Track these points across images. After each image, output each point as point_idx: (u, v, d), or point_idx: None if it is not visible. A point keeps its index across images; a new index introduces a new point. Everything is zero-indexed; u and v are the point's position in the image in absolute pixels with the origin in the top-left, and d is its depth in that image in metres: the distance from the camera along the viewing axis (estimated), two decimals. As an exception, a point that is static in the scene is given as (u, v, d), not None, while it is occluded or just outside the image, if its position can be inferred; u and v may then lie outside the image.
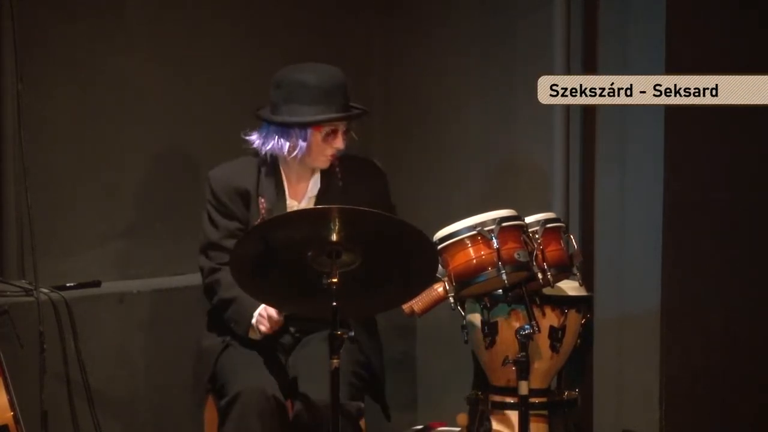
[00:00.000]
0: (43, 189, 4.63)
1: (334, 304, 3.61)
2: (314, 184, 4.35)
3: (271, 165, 4.33)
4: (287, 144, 4.24)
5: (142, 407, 4.82)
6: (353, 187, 4.36)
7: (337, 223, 3.60)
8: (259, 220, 4.22)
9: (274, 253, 3.67)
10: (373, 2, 5.70)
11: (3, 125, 4.57)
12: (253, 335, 4.21)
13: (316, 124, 4.22)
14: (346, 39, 5.55)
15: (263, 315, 4.16)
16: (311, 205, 4.32)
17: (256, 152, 4.33)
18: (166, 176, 5.05)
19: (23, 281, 4.53)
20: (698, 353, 5.07)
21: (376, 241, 3.66)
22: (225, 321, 4.27)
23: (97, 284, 4.67)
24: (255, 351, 4.25)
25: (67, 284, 4.59)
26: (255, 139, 4.30)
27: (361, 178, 4.39)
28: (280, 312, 4.13)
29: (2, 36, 4.52)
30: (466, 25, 5.49)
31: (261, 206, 4.27)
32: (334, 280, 3.61)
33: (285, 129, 4.24)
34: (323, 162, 4.31)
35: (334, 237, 3.61)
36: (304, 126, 4.22)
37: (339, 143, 4.28)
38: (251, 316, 4.19)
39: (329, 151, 4.28)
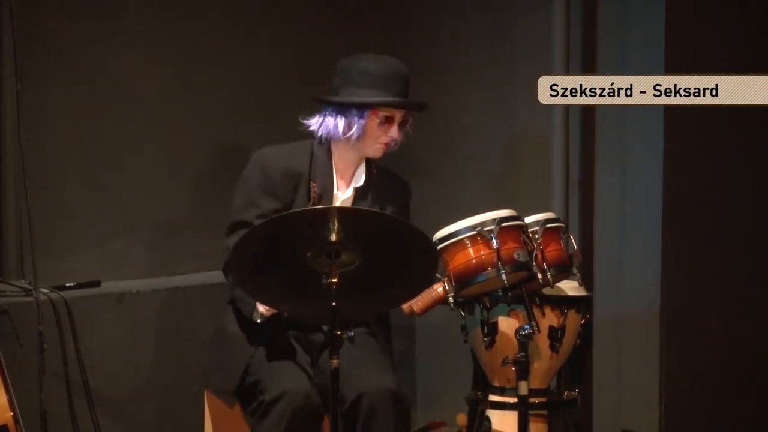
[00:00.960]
0: (43, 189, 4.63)
1: (334, 304, 3.61)
2: (359, 175, 4.35)
3: (324, 150, 4.32)
4: (343, 123, 4.25)
5: (142, 407, 4.81)
6: (384, 194, 4.38)
7: (337, 223, 3.60)
8: (310, 205, 4.22)
9: (274, 253, 3.67)
10: (373, 2, 5.70)
11: (3, 125, 4.57)
12: (255, 317, 4.17)
13: (372, 106, 4.23)
14: (347, 39, 5.55)
15: None
16: (353, 197, 4.32)
17: (311, 137, 4.32)
18: (166, 176, 5.05)
19: (23, 281, 4.53)
20: (698, 353, 5.07)
21: (376, 241, 3.65)
22: (233, 300, 4.24)
23: (96, 284, 4.67)
24: (287, 349, 4.23)
25: (67, 284, 4.59)
26: (314, 121, 4.29)
27: (392, 189, 4.42)
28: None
29: (2, 36, 4.52)
30: (466, 25, 5.49)
31: (312, 191, 4.26)
32: (334, 280, 3.60)
33: (342, 110, 4.25)
34: (376, 150, 4.31)
35: (333, 237, 3.60)
36: (361, 107, 4.23)
37: (394, 132, 4.29)
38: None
39: (383, 139, 4.29)
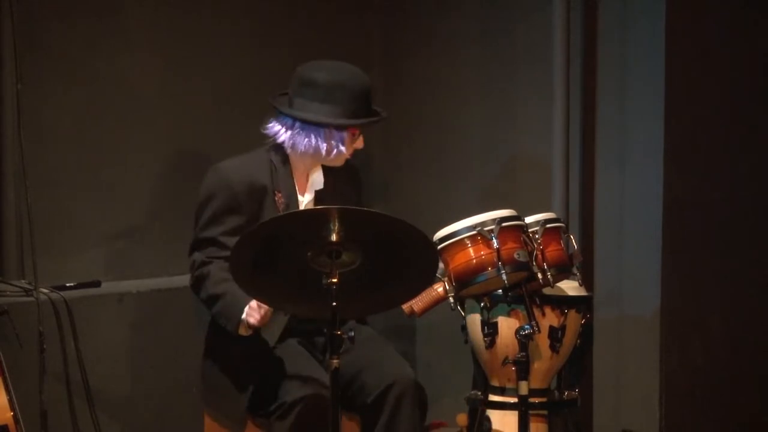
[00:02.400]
0: (43, 189, 4.63)
1: (334, 304, 3.61)
2: (317, 179, 4.35)
3: (283, 159, 4.31)
4: (325, 145, 4.23)
5: (142, 407, 4.82)
6: (343, 186, 4.39)
7: (337, 223, 3.60)
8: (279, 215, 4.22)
9: (274, 253, 3.66)
10: (373, 2, 5.70)
11: (3, 125, 4.57)
12: (242, 332, 4.14)
13: (354, 127, 4.25)
14: (347, 39, 5.55)
15: (253, 307, 4.08)
16: (314, 199, 4.32)
17: (269, 146, 4.30)
18: (165, 176, 5.05)
19: (23, 281, 4.53)
20: (698, 353, 5.07)
21: (376, 241, 3.65)
22: (213, 317, 4.23)
23: (97, 284, 4.67)
24: (299, 355, 4.23)
25: (67, 284, 4.59)
26: (280, 133, 4.26)
27: (347, 178, 4.42)
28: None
29: (2, 36, 4.52)
30: (466, 25, 5.49)
31: (279, 201, 4.26)
32: (334, 280, 3.60)
33: (320, 129, 4.23)
34: (341, 161, 4.32)
35: (333, 237, 3.60)
36: (342, 128, 4.23)
37: (360, 143, 4.32)
38: (241, 312, 4.11)
39: (350, 151, 4.31)
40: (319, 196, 4.34)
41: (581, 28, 5.12)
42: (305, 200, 4.33)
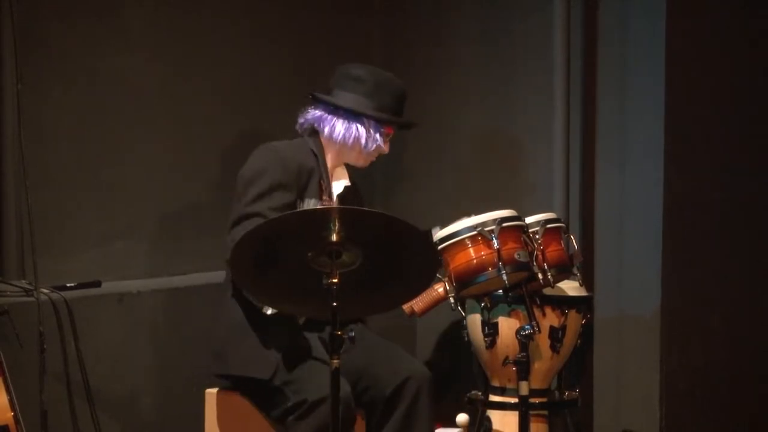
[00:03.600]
0: (43, 189, 4.63)
1: (334, 304, 3.61)
2: (342, 177, 4.40)
3: (320, 149, 4.35)
4: (366, 135, 4.29)
5: (143, 407, 4.81)
6: (354, 193, 4.44)
7: (337, 223, 3.60)
8: (322, 202, 4.25)
9: (274, 253, 3.66)
10: (373, 2, 5.70)
11: (3, 125, 4.57)
12: (266, 309, 4.12)
13: (395, 124, 4.32)
14: (347, 39, 5.55)
15: None
16: (336, 198, 4.35)
17: (304, 138, 4.34)
18: (165, 176, 5.05)
19: (23, 281, 4.53)
20: (698, 353, 5.07)
21: (376, 241, 3.65)
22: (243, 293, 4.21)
23: (97, 284, 4.67)
24: (316, 349, 4.21)
25: (67, 284, 4.58)
26: (322, 117, 4.31)
27: (354, 184, 4.47)
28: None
29: (2, 36, 4.51)
30: (466, 25, 5.49)
31: (323, 186, 4.28)
32: (334, 280, 3.60)
33: (359, 119, 4.29)
34: (366, 162, 4.39)
35: (334, 237, 3.60)
36: (382, 123, 4.30)
37: (387, 147, 4.38)
38: None
39: (375, 153, 4.37)
40: (347, 194, 4.38)
41: (581, 28, 5.13)
42: (336, 192, 4.37)
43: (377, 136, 4.30)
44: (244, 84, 5.24)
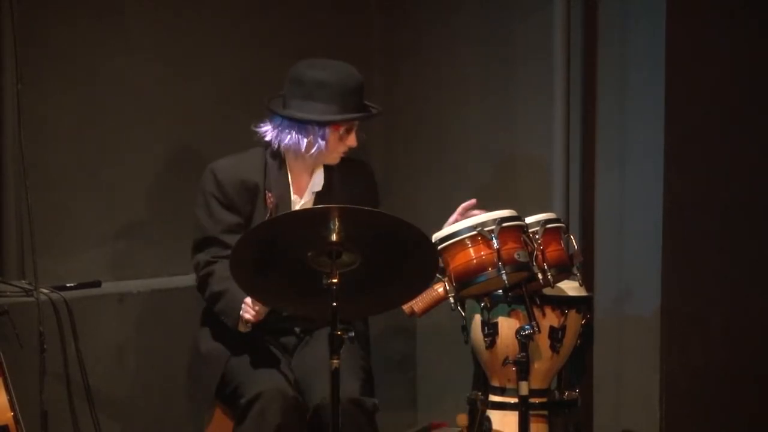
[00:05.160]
0: (43, 189, 4.63)
1: (334, 304, 3.60)
2: (317, 180, 4.36)
3: (278, 159, 4.33)
4: (305, 141, 4.25)
5: (142, 407, 4.81)
6: (349, 185, 4.38)
7: (337, 223, 3.60)
8: (267, 215, 4.23)
9: (274, 253, 3.66)
10: (373, 1, 5.69)
11: (3, 125, 4.57)
12: (242, 328, 4.18)
13: (335, 123, 4.24)
14: (347, 39, 5.55)
15: (248, 303, 4.12)
16: (312, 201, 4.33)
17: (265, 145, 4.33)
18: (165, 176, 5.05)
19: (23, 281, 4.53)
20: (698, 353, 5.07)
21: (376, 241, 3.65)
22: (216, 314, 4.25)
23: (97, 284, 4.67)
24: (262, 352, 4.25)
25: (67, 284, 4.59)
26: (268, 131, 4.30)
27: (357, 177, 4.42)
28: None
29: (2, 36, 4.52)
30: (466, 25, 5.49)
31: (269, 201, 4.27)
32: (334, 280, 3.60)
33: (302, 126, 4.25)
34: (335, 159, 4.34)
35: (334, 237, 3.60)
36: (323, 124, 4.23)
37: (353, 141, 4.32)
38: (239, 308, 4.15)
39: (342, 149, 4.32)
40: (319, 197, 4.34)
41: (581, 28, 5.13)
42: (302, 201, 4.34)
43: (320, 137, 4.23)
44: (244, 84, 5.24)
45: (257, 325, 4.17)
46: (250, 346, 4.26)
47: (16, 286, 4.47)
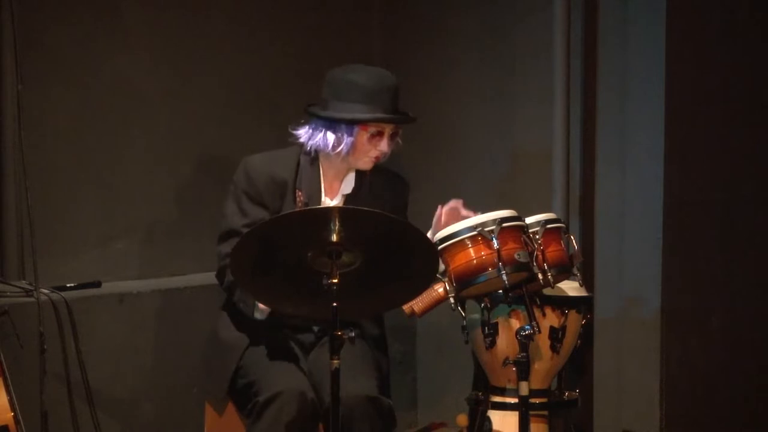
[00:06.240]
0: (43, 189, 4.63)
1: (334, 304, 3.60)
2: (348, 184, 4.35)
3: (312, 159, 4.32)
4: (333, 138, 4.24)
5: (143, 407, 4.81)
6: (380, 195, 4.36)
7: (337, 224, 3.60)
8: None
9: (274, 253, 3.66)
10: (374, 2, 5.70)
11: (3, 125, 4.57)
12: (258, 315, 4.18)
13: (361, 123, 4.22)
14: (347, 39, 5.55)
15: None
16: (342, 203, 4.32)
17: (300, 145, 4.32)
18: (165, 176, 5.06)
19: (23, 282, 4.53)
20: (698, 353, 5.07)
21: (376, 241, 3.65)
22: (234, 303, 4.25)
23: (97, 284, 4.67)
24: (281, 347, 4.24)
25: (68, 285, 4.59)
26: (303, 132, 4.29)
27: (389, 188, 4.41)
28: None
29: (2, 36, 4.52)
30: (466, 25, 5.49)
31: (298, 199, 4.26)
32: (335, 280, 3.60)
33: (332, 124, 4.23)
34: (366, 163, 4.30)
35: (334, 237, 3.60)
36: (350, 123, 4.22)
37: (384, 146, 4.28)
38: None
39: (373, 153, 4.28)
40: (348, 200, 4.33)
41: (581, 28, 5.13)
42: (332, 203, 4.33)
43: (347, 136, 4.21)
44: (244, 84, 5.24)
45: (274, 315, 4.17)
46: (269, 339, 4.25)
47: (17, 287, 4.48)
